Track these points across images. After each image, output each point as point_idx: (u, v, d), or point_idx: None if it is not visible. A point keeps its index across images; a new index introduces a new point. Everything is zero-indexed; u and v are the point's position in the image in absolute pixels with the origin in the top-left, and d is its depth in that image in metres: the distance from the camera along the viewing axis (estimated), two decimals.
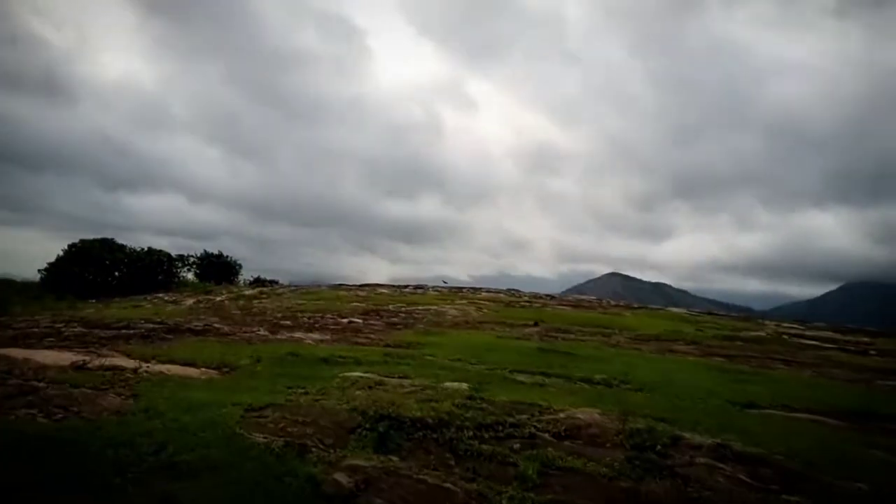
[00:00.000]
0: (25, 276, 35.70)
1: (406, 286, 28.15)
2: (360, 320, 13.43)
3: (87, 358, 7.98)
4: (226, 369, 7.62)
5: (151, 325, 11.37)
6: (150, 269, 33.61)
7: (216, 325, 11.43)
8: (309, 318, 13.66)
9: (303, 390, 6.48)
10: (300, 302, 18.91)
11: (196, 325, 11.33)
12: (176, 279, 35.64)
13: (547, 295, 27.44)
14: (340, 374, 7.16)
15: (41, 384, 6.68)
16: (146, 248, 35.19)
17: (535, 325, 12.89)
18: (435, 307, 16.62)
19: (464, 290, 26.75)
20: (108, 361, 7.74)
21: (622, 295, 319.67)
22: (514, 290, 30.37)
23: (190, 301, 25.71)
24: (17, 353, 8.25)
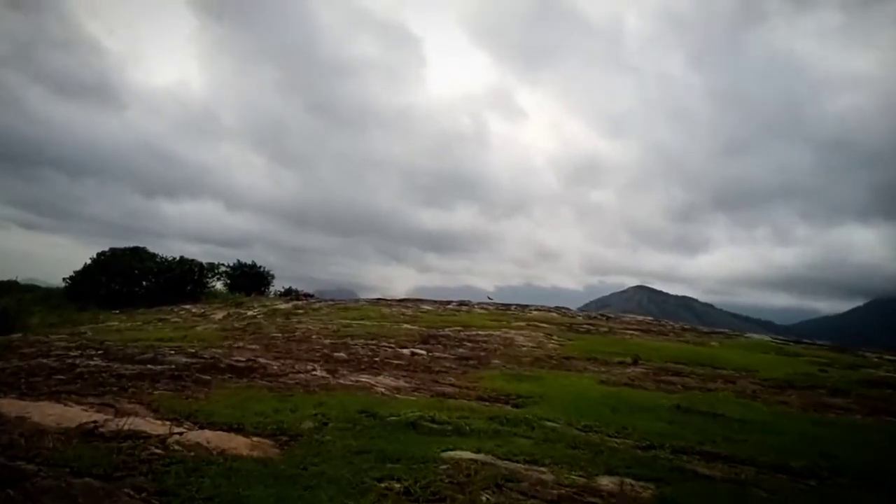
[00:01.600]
0: (52, 282, 34.47)
1: (449, 302, 26.16)
2: (423, 351, 11.37)
3: (100, 417, 5.97)
4: (284, 438, 5.57)
5: (184, 360, 9.39)
6: (180, 279, 32.19)
7: (261, 361, 9.41)
8: (363, 348, 11.62)
9: (400, 485, 4.43)
10: (345, 322, 16.94)
11: (238, 361, 9.32)
12: (206, 289, 34.29)
13: (602, 315, 25.28)
14: (444, 454, 5.10)
15: (31, 466, 4.67)
16: (178, 258, 33.89)
17: (635, 362, 10.76)
18: (498, 333, 14.55)
19: (512, 308, 24.71)
20: (127, 424, 5.73)
21: (647, 309, 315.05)
22: (563, 308, 28.23)
23: (220, 315, 24.00)
24: (12, 406, 6.27)
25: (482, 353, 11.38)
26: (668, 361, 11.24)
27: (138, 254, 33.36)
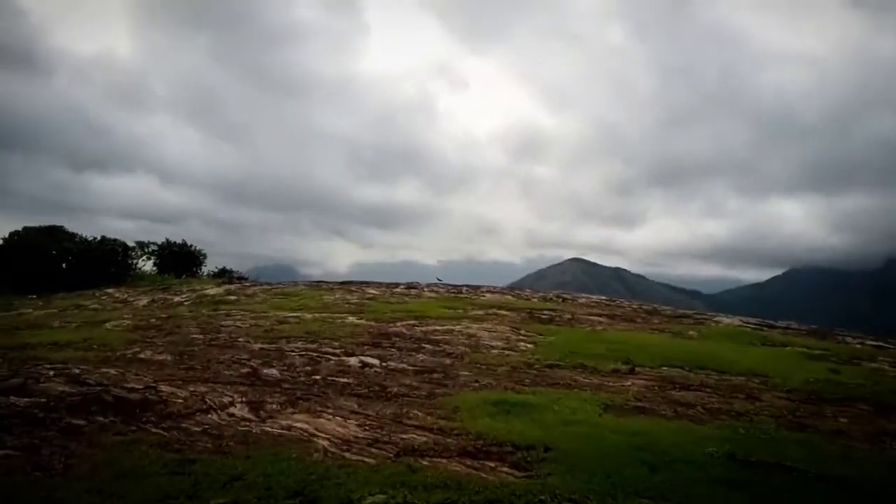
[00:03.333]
0: None
1: (397, 285, 23.89)
2: (374, 360, 9.14)
3: None
4: None
5: (60, 388, 6.91)
6: (103, 261, 29.08)
7: (163, 390, 6.99)
8: (301, 357, 9.33)
9: None
10: (281, 315, 14.56)
11: (132, 390, 6.88)
12: (132, 271, 31.24)
13: (558, 296, 23.42)
14: None
15: None
16: (99, 238, 30.72)
17: (631, 370, 8.79)
18: (458, 328, 12.41)
19: (463, 291, 22.63)
20: None
21: (581, 280, 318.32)
22: (516, 289, 26.36)
23: (143, 301, 21.34)
24: None
25: (447, 361, 9.23)
26: (663, 365, 9.33)
27: (55, 233, 30.11)
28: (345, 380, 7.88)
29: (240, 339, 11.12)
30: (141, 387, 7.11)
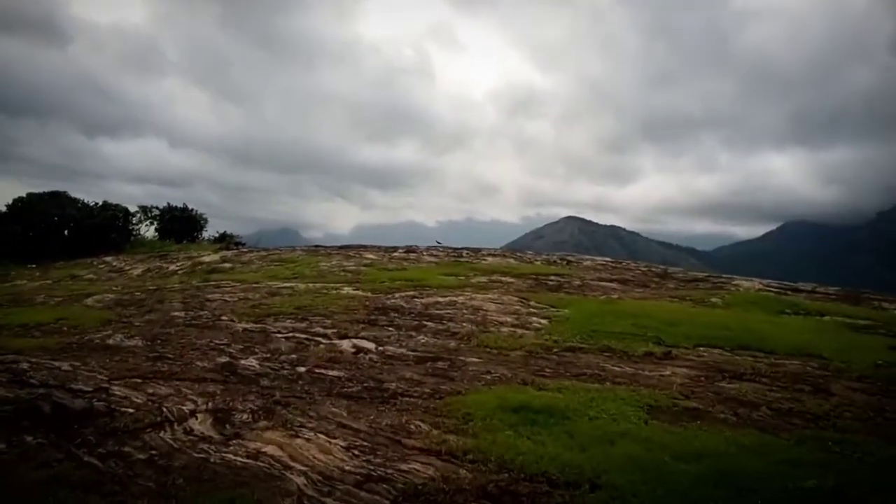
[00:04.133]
0: None
1: (395, 249, 22.63)
2: (370, 344, 7.78)
3: None
4: None
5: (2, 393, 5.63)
6: (104, 227, 28.21)
7: (115, 393, 5.61)
8: (287, 340, 8.01)
9: None
10: (273, 285, 13.27)
11: (80, 393, 5.50)
12: (133, 236, 30.44)
13: (562, 258, 22.07)
14: None
15: None
16: (101, 203, 29.80)
17: (667, 354, 7.44)
18: (461, 300, 11.08)
19: (463, 255, 21.36)
20: None
21: (578, 239, 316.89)
22: (517, 252, 25.02)
23: (139, 269, 20.37)
24: None
25: (452, 344, 7.86)
26: (699, 344, 7.98)
27: (58, 199, 29.16)
28: (334, 372, 6.51)
29: (223, 318, 9.78)
30: (90, 389, 5.75)
